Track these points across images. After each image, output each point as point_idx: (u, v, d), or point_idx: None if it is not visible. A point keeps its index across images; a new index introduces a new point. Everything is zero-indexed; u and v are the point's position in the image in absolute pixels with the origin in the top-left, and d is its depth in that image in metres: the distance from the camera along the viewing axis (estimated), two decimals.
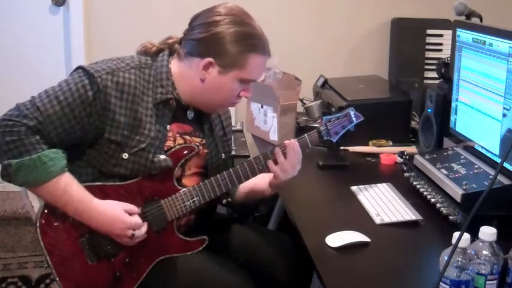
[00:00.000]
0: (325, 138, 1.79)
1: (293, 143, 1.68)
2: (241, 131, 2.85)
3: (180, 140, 1.68)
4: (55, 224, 1.59)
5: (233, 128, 2.19)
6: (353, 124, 1.84)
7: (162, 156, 1.61)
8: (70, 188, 1.54)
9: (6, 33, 3.06)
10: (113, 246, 1.61)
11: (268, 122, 2.50)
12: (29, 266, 2.92)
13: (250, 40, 1.61)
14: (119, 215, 1.57)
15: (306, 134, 1.75)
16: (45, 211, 1.59)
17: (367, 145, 2.35)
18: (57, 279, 1.59)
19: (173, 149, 1.64)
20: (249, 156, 2.62)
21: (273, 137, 2.48)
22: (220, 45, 1.59)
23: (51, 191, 1.54)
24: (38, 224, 1.59)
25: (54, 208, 1.57)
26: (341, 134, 1.82)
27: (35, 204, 1.83)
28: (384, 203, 1.83)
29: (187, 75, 1.64)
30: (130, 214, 1.58)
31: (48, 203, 1.57)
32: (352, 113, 1.84)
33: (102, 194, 1.58)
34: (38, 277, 2.82)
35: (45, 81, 3.05)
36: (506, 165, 1.69)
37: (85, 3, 3.03)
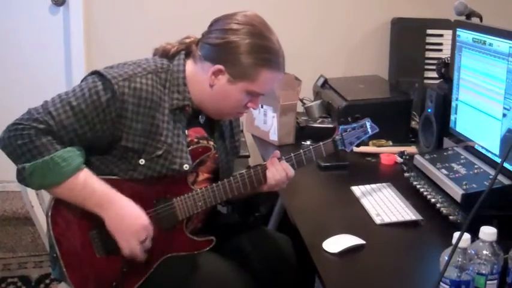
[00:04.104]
0: (340, 147, 1.80)
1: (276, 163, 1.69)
2: (241, 131, 2.84)
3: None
4: (66, 215, 1.59)
5: None
6: (368, 135, 1.85)
7: (185, 165, 1.61)
8: (90, 182, 1.54)
9: (6, 33, 3.06)
10: None
11: (268, 122, 2.50)
12: (29, 266, 2.92)
13: (265, 54, 1.59)
14: (140, 213, 1.57)
15: (321, 143, 1.76)
16: (57, 201, 1.58)
17: (367, 145, 2.35)
18: (64, 270, 1.60)
19: (190, 148, 1.64)
20: (249, 156, 2.63)
21: (273, 137, 2.48)
22: (234, 55, 1.58)
23: (70, 189, 1.53)
24: (49, 214, 1.59)
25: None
26: (355, 144, 1.84)
27: (35, 204, 1.84)
28: (384, 203, 1.83)
29: (199, 78, 1.63)
30: None
31: (68, 201, 1.56)
32: (368, 124, 1.85)
33: (116, 187, 1.57)
34: (38, 277, 2.82)
35: (45, 81, 3.09)
36: (506, 165, 1.69)
37: (85, 3, 3.03)
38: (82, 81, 1.61)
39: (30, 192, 1.81)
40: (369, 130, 1.85)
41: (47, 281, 2.78)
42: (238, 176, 1.66)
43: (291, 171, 1.70)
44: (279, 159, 1.70)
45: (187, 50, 1.67)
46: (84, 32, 3.06)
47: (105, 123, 1.54)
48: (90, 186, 1.54)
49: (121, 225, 1.55)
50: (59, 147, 1.51)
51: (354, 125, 1.83)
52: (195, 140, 1.68)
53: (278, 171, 1.68)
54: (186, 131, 1.65)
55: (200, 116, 1.71)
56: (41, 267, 2.89)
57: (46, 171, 1.50)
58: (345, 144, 1.81)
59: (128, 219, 1.55)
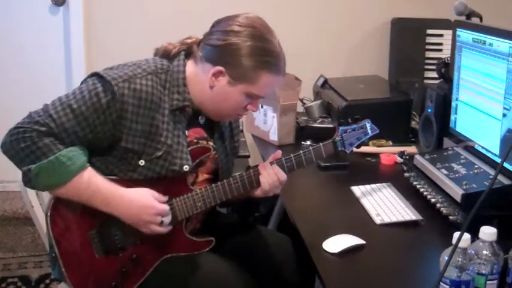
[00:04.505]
0: (340, 148, 1.80)
1: (268, 166, 1.67)
2: (241, 131, 2.84)
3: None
4: (65, 215, 1.59)
5: None
6: (368, 136, 1.86)
7: (185, 166, 1.61)
8: (95, 180, 1.55)
9: (6, 33, 3.06)
10: (121, 241, 1.62)
11: (268, 122, 2.50)
12: (29, 266, 2.92)
13: (266, 57, 1.59)
14: (148, 201, 1.57)
15: (321, 144, 1.76)
16: (57, 201, 1.58)
17: (367, 145, 2.35)
18: (63, 270, 1.60)
19: (189, 148, 1.64)
20: (249, 156, 2.63)
21: (273, 137, 2.48)
22: (234, 57, 1.57)
23: (75, 188, 1.53)
24: (48, 214, 1.59)
25: (65, 199, 1.57)
26: (355, 145, 1.84)
27: (35, 204, 1.84)
28: (384, 203, 1.83)
29: (199, 79, 1.63)
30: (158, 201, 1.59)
31: (74, 200, 1.56)
32: (368, 125, 1.85)
33: None
34: (38, 277, 2.82)
35: (45, 82, 3.09)
36: (506, 165, 1.69)
37: (85, 3, 3.03)
38: (82, 83, 1.61)
39: (30, 192, 1.81)
40: (369, 131, 1.85)
41: (47, 281, 2.78)
42: (238, 176, 1.66)
43: (283, 176, 1.67)
44: (279, 159, 1.70)
45: (188, 50, 1.67)
46: (84, 32, 3.06)
47: (106, 124, 1.54)
48: (94, 184, 1.54)
49: (133, 218, 1.57)
50: (62, 147, 1.52)
51: (354, 126, 1.83)
52: (195, 140, 1.68)
53: (270, 175, 1.66)
54: (186, 131, 1.65)
55: (200, 117, 1.70)
56: (41, 267, 2.89)
57: (52, 171, 1.50)
58: (344, 145, 1.81)
59: (138, 211, 1.56)
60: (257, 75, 1.59)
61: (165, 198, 1.61)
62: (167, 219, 1.59)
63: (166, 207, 1.59)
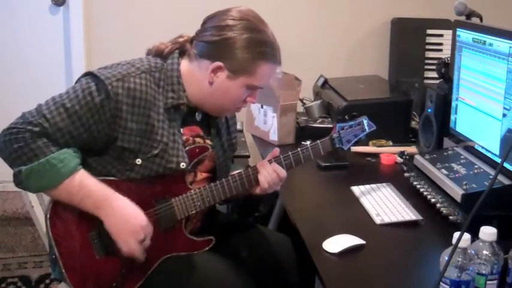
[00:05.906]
0: (337, 145, 1.80)
1: (267, 165, 1.67)
2: (241, 131, 2.85)
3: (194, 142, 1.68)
4: (65, 216, 1.59)
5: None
6: (365, 133, 1.86)
7: (181, 164, 1.60)
8: (86, 183, 1.54)
9: (6, 33, 3.06)
10: None
11: (268, 122, 2.50)
12: (29, 266, 2.92)
13: (262, 48, 1.60)
14: (138, 213, 1.56)
15: (318, 141, 1.76)
16: (56, 203, 1.58)
17: (367, 145, 2.35)
18: (63, 271, 1.59)
19: (187, 148, 1.64)
20: (249, 156, 2.63)
21: (273, 137, 2.48)
22: (231, 50, 1.58)
23: (67, 190, 1.53)
24: (48, 215, 1.58)
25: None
26: (353, 142, 1.84)
27: (35, 204, 1.84)
28: (384, 203, 1.83)
29: (196, 77, 1.63)
30: None
31: (66, 202, 1.56)
32: (365, 121, 1.85)
33: (114, 188, 1.57)
34: (38, 277, 2.82)
35: (45, 81, 3.09)
36: (506, 165, 1.69)
37: (85, 3, 3.03)
38: (76, 82, 1.60)
39: (30, 192, 1.81)
40: (366, 128, 1.85)
41: (47, 281, 2.77)
42: (237, 175, 1.66)
43: (282, 173, 1.68)
44: (277, 157, 1.70)
45: (181, 49, 1.67)
46: (84, 32, 3.06)
47: (100, 123, 1.54)
48: (86, 187, 1.54)
49: (119, 225, 1.55)
50: (54, 149, 1.51)
51: (351, 122, 1.84)
52: (191, 139, 1.68)
53: (269, 173, 1.67)
54: (182, 129, 1.65)
55: (197, 114, 1.71)
56: (41, 267, 2.89)
57: (43, 174, 1.50)
58: (342, 142, 1.81)
59: (125, 219, 1.55)
60: (255, 67, 1.60)
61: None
62: (147, 241, 1.58)
63: (151, 228, 1.58)
